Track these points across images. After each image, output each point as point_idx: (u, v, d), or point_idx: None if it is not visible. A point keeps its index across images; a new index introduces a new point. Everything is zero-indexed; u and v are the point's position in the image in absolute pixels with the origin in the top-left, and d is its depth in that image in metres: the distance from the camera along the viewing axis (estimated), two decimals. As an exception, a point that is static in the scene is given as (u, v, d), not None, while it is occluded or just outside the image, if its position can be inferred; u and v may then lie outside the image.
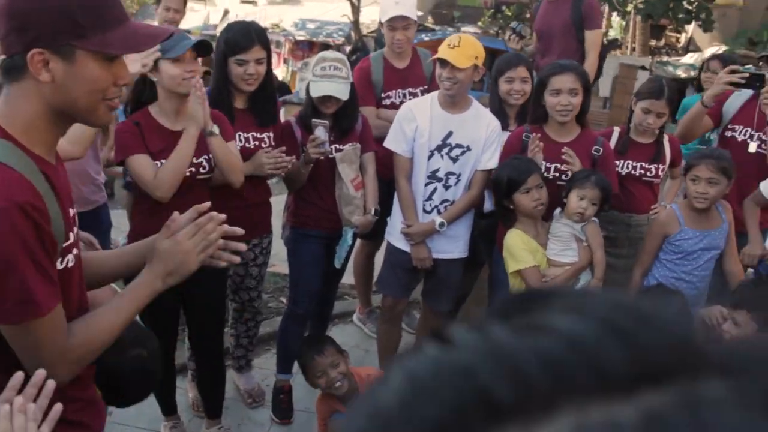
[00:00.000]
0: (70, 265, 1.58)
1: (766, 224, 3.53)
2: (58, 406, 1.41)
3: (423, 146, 3.42)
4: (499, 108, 3.65)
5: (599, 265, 3.18)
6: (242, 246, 1.84)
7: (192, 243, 1.71)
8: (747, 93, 3.80)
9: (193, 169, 2.99)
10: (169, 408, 3.43)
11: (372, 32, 13.33)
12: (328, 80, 3.31)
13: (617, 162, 3.58)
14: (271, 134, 3.41)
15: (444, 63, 3.27)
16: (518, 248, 3.16)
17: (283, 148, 3.32)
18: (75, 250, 1.60)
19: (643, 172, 3.67)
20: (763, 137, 3.71)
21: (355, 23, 14.09)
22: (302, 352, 3.20)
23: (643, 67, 11.25)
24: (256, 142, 3.37)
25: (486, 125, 3.43)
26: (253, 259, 3.55)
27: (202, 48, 2.93)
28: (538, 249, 3.19)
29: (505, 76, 3.62)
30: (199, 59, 2.97)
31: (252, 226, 3.47)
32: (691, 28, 13.60)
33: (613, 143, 3.65)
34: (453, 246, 3.54)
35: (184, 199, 2.90)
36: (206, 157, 3.02)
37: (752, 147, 3.78)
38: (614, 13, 14.15)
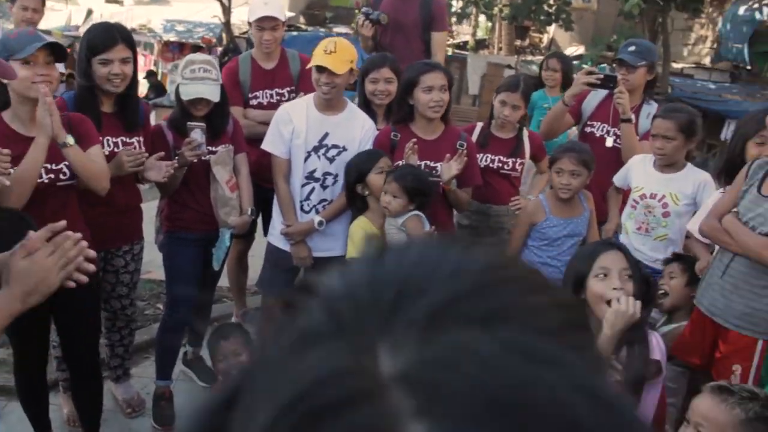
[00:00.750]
0: None
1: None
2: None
3: (300, 147, 3.45)
4: (366, 107, 3.72)
5: None
6: (91, 267, 1.84)
7: (51, 260, 1.72)
8: (603, 92, 4.06)
9: (53, 176, 2.86)
10: (42, 427, 3.27)
11: (243, 33, 13.16)
12: (199, 82, 3.28)
13: (478, 155, 3.73)
14: (141, 138, 3.33)
15: (321, 69, 3.31)
16: (359, 236, 3.24)
17: (140, 147, 3.26)
18: None
19: (501, 165, 3.87)
20: (618, 132, 3.97)
21: (227, 24, 13.85)
22: (212, 335, 3.21)
23: (509, 66, 11.72)
24: (126, 147, 3.27)
25: (361, 126, 3.50)
26: (124, 266, 3.45)
27: (56, 51, 2.78)
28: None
29: (369, 76, 3.70)
30: (59, 64, 2.83)
31: (122, 232, 3.39)
32: (552, 29, 14.31)
33: (475, 137, 3.82)
34: (333, 244, 3.58)
35: (47, 206, 2.80)
36: (66, 163, 2.87)
37: (609, 142, 4.06)
38: (481, 15, 14.66)
